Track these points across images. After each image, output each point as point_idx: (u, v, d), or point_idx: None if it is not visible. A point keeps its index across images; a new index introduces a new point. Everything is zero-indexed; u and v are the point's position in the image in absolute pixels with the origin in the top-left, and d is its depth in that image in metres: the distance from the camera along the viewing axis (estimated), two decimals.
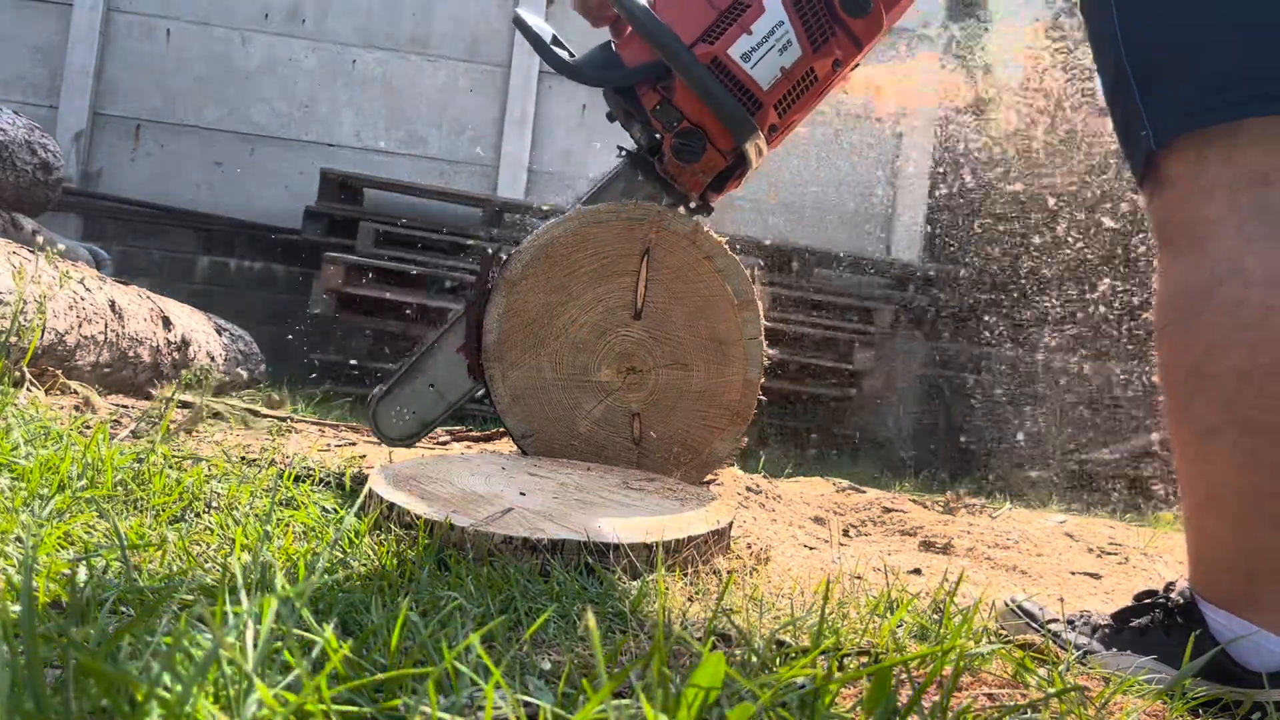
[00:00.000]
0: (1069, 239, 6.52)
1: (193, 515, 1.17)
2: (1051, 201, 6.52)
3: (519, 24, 1.62)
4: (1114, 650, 1.10)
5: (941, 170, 6.07)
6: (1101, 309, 6.46)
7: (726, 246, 1.79)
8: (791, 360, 5.12)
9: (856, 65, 1.62)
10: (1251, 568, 1.02)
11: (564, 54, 1.60)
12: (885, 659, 0.83)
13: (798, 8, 1.49)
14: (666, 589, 1.04)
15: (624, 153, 1.82)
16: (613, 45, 1.58)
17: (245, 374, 3.85)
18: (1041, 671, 0.89)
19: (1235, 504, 1.02)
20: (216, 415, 2.35)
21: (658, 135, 1.54)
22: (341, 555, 1.02)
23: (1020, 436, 5.29)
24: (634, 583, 1.06)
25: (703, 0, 1.51)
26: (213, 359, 3.45)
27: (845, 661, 0.86)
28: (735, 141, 1.50)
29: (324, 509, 1.30)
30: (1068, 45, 6.70)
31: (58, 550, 0.91)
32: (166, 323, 2.98)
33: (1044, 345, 6.17)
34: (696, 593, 1.10)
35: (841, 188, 6.02)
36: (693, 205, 1.74)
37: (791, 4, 1.49)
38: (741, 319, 1.78)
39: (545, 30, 1.66)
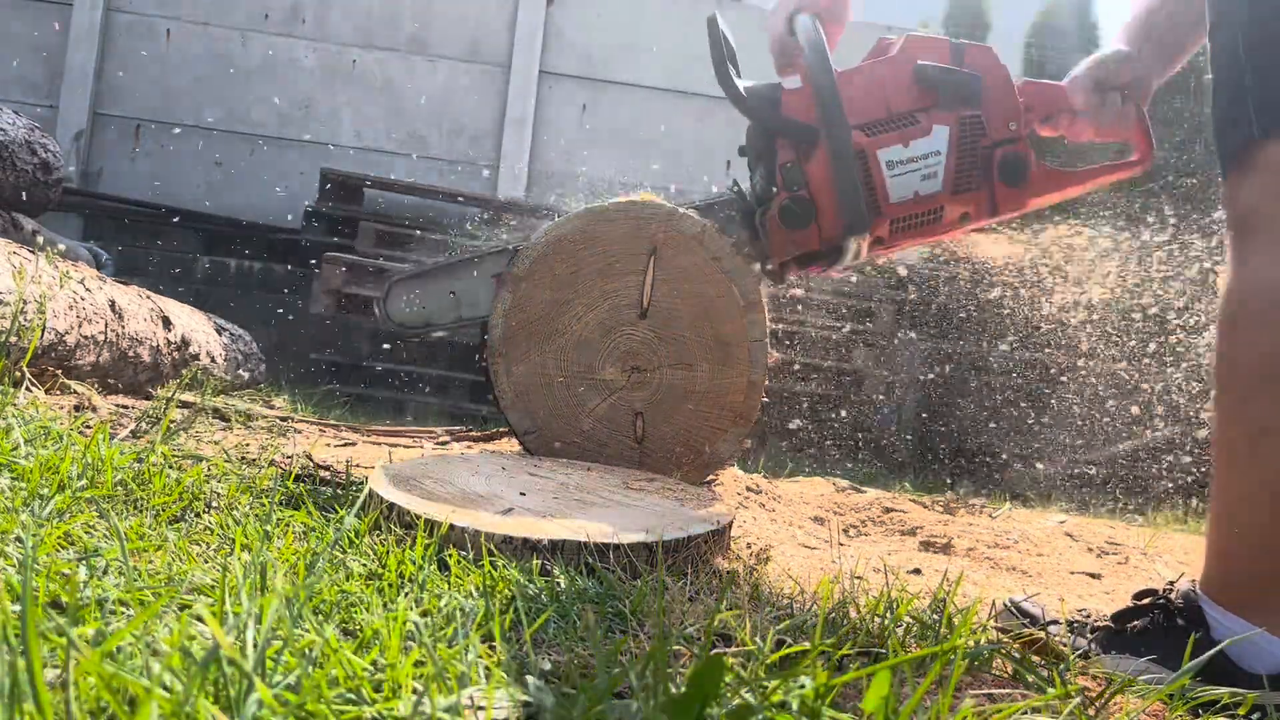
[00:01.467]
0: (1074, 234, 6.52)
1: (193, 515, 1.17)
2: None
3: (712, 26, 1.59)
4: (1113, 651, 1.10)
5: None
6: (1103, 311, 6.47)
7: (733, 248, 1.79)
8: (793, 360, 5.12)
9: (980, 228, 1.59)
10: (1277, 570, 1.02)
11: (734, 72, 1.57)
12: (885, 659, 0.83)
13: (959, 148, 1.46)
14: (666, 589, 1.04)
15: (735, 187, 1.80)
16: (782, 87, 1.54)
17: (245, 374, 3.85)
18: (1041, 671, 0.89)
19: (1274, 506, 1.01)
20: (217, 415, 2.35)
21: (774, 189, 1.50)
22: (341, 555, 1.02)
23: (1020, 436, 5.29)
24: (634, 583, 1.06)
25: (881, 95, 1.48)
26: (213, 359, 3.45)
27: (845, 661, 0.86)
28: (840, 232, 1.47)
29: (324, 509, 1.30)
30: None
31: (58, 550, 0.91)
32: (166, 323, 2.98)
33: (1043, 345, 6.16)
34: (696, 593, 1.10)
35: None
36: (769, 268, 1.70)
37: (956, 142, 1.46)
38: (747, 321, 1.78)
39: (731, 45, 1.63)
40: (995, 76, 1.50)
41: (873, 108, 1.47)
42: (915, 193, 1.46)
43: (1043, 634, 1.12)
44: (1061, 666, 0.91)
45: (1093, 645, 1.12)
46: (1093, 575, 1.86)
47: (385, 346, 5.04)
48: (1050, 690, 0.83)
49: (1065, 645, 1.11)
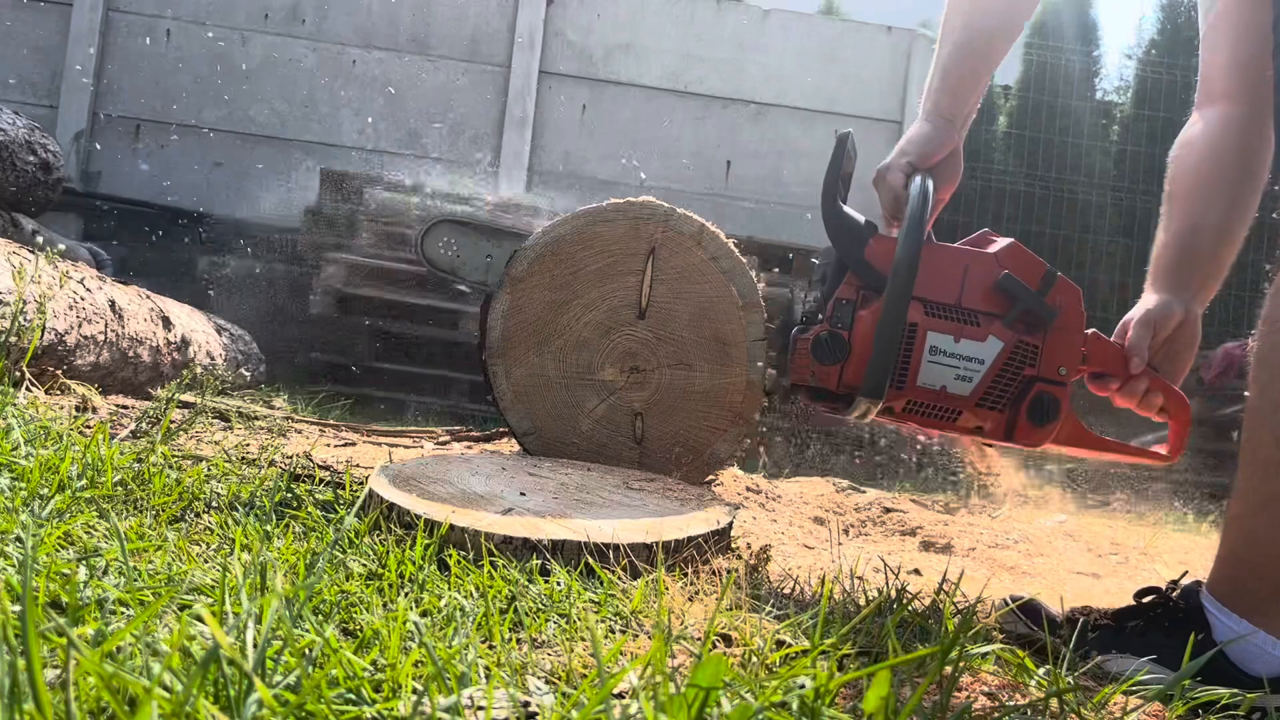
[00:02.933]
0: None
1: (193, 515, 1.17)
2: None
3: (840, 143, 1.56)
4: (1113, 651, 1.10)
5: None
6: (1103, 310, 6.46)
7: (733, 248, 1.79)
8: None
9: (989, 445, 1.59)
10: None
11: (841, 194, 1.55)
12: (885, 659, 0.83)
13: (1003, 370, 1.44)
14: (666, 589, 1.04)
15: (789, 289, 1.78)
16: (875, 229, 1.53)
17: (245, 374, 3.85)
18: (1041, 671, 0.89)
19: None
20: (217, 415, 2.35)
21: (820, 317, 1.50)
22: (341, 555, 1.02)
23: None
24: (634, 583, 1.06)
25: (958, 284, 1.46)
26: (213, 359, 3.45)
27: (845, 661, 0.86)
28: (857, 389, 1.45)
29: (324, 509, 1.30)
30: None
31: (58, 550, 0.91)
32: (166, 323, 2.98)
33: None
34: (696, 593, 1.10)
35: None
36: (783, 382, 1.70)
37: (1004, 361, 1.44)
38: (746, 320, 1.78)
39: (853, 163, 1.62)
40: (1071, 318, 1.48)
41: (945, 291, 1.45)
42: (943, 387, 1.45)
43: (1043, 634, 1.12)
44: (1062, 667, 0.91)
45: (1093, 644, 1.12)
46: (1093, 575, 1.86)
47: (385, 349, 5.04)
48: (1050, 690, 0.83)
49: (1065, 645, 1.11)
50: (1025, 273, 1.47)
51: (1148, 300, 1.59)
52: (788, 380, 1.56)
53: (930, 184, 1.45)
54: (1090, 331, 1.54)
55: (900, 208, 1.47)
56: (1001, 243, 1.52)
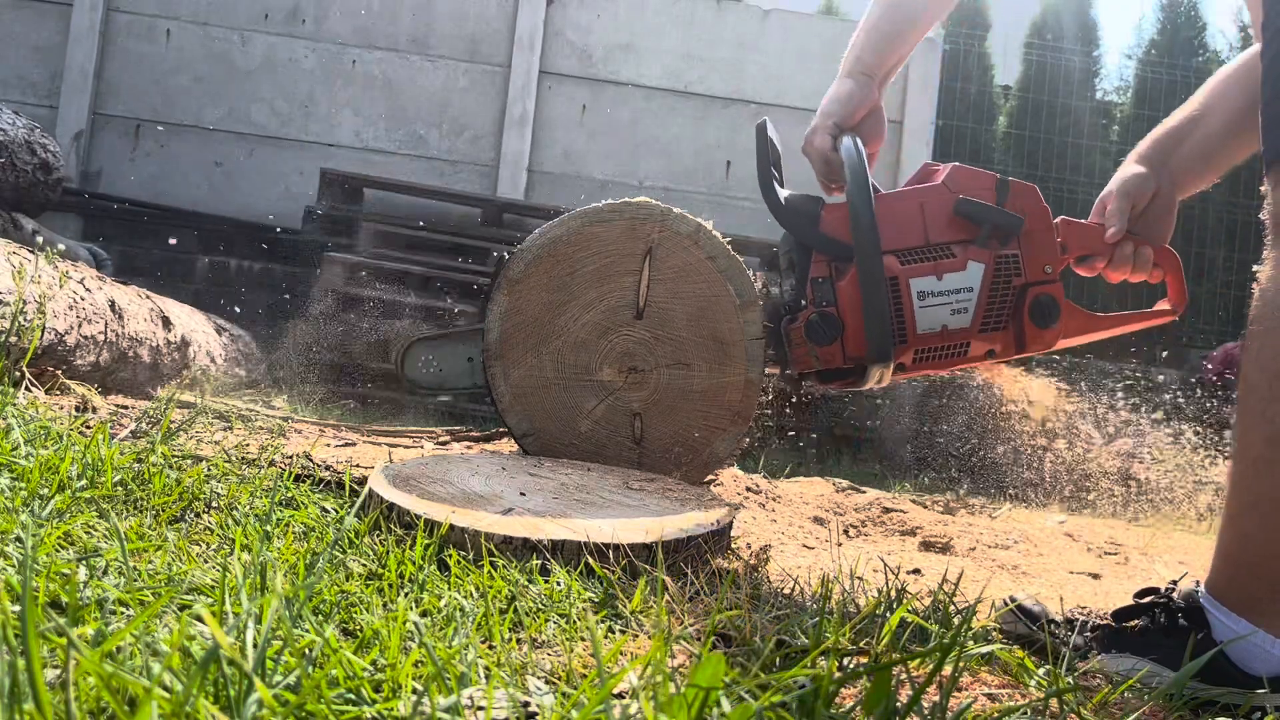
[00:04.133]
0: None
1: (193, 515, 1.17)
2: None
3: (761, 133, 1.58)
4: (1113, 650, 1.10)
5: None
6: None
7: (729, 247, 1.79)
8: None
9: (1006, 362, 1.59)
10: None
11: (776, 181, 1.56)
12: (885, 659, 0.83)
13: (993, 287, 1.45)
14: (666, 589, 1.04)
15: (765, 290, 1.78)
16: (823, 201, 1.53)
17: (245, 374, 3.85)
18: (1041, 671, 0.89)
19: None
20: (217, 415, 2.35)
21: (804, 302, 1.50)
22: (341, 555, 1.02)
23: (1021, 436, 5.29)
24: (634, 583, 1.06)
25: (920, 224, 1.46)
26: (212, 359, 3.45)
27: (845, 661, 0.86)
28: (865, 357, 1.45)
29: (324, 509, 1.30)
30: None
31: (58, 550, 0.91)
32: (166, 323, 2.98)
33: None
34: (696, 593, 1.10)
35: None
36: (788, 373, 1.67)
37: (990, 280, 1.44)
38: (744, 320, 1.78)
39: (777, 149, 1.62)
40: (1036, 218, 1.49)
41: (911, 235, 1.46)
42: (944, 326, 1.45)
43: (1043, 634, 1.13)
44: (1062, 667, 0.91)
45: (1093, 644, 1.12)
46: (1093, 575, 1.86)
47: (384, 350, 5.03)
48: (1049, 690, 0.83)
49: (1065, 645, 1.11)
50: (978, 190, 1.48)
51: (1124, 172, 1.58)
52: (792, 371, 1.56)
53: (860, 140, 1.46)
54: (1059, 220, 1.55)
55: (833, 170, 1.48)
56: (945, 170, 1.53)
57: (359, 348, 5.02)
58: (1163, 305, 1.59)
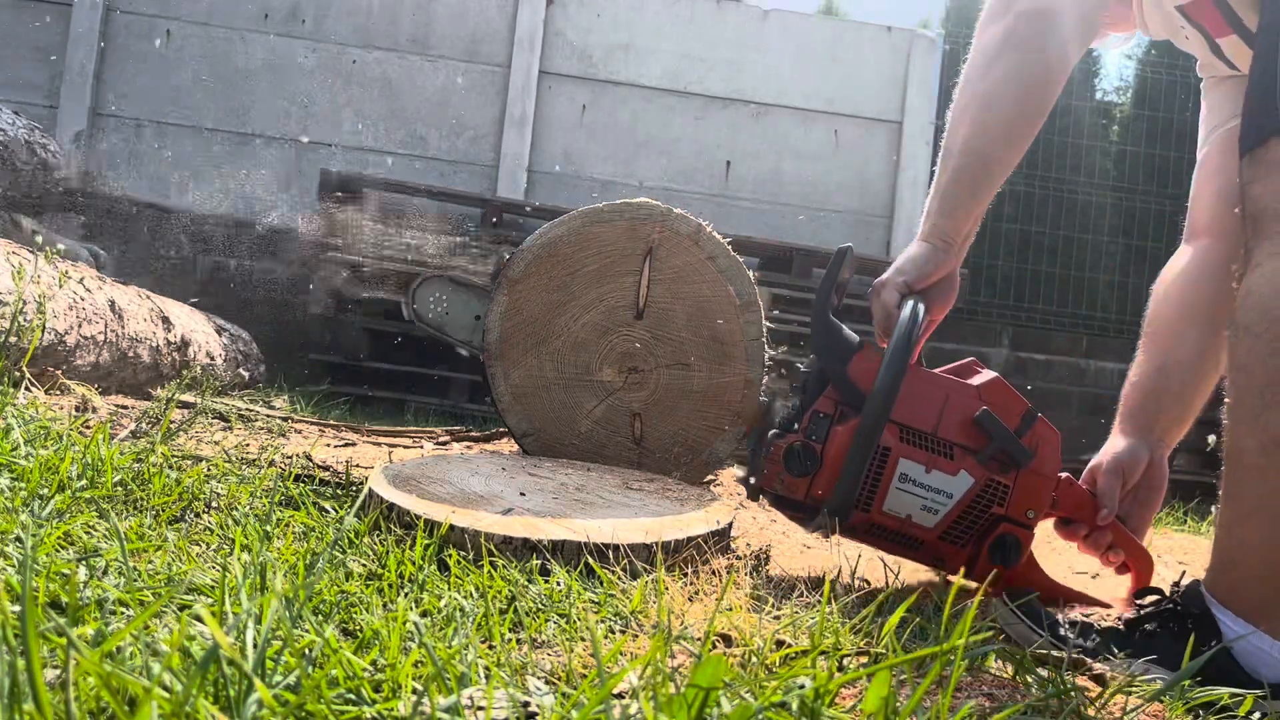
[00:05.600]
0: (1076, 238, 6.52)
1: (193, 515, 1.17)
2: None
3: (839, 255, 1.52)
4: (1114, 651, 1.10)
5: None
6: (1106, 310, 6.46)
7: (729, 247, 1.79)
8: (792, 360, 5.11)
9: (949, 581, 1.57)
10: None
11: (833, 307, 1.53)
12: (885, 659, 0.83)
13: (971, 507, 1.42)
14: (666, 589, 1.04)
15: (765, 400, 1.76)
16: (860, 346, 1.51)
17: (245, 374, 3.85)
18: (1041, 671, 0.89)
19: None
20: (216, 415, 2.35)
21: (795, 427, 1.48)
22: (341, 555, 1.02)
23: None
24: (634, 583, 1.06)
25: (937, 413, 1.44)
26: (212, 359, 3.45)
27: (845, 661, 0.86)
28: (823, 503, 1.41)
29: (324, 509, 1.30)
30: None
31: (58, 550, 0.91)
32: (166, 323, 2.98)
33: (1044, 345, 6.16)
34: (696, 593, 1.10)
35: (841, 189, 6.02)
36: (751, 481, 1.67)
37: (973, 498, 1.42)
38: (744, 320, 1.78)
39: (848, 277, 1.58)
40: (1045, 462, 1.45)
41: (922, 418, 1.43)
42: (909, 516, 1.43)
43: (1043, 634, 1.13)
44: (1062, 666, 0.91)
45: (1099, 647, 1.12)
46: (1093, 575, 1.86)
47: (384, 350, 5.04)
48: (1050, 690, 0.83)
49: (1065, 645, 1.11)
50: (1006, 410, 1.45)
51: (1114, 444, 1.59)
52: (755, 482, 1.55)
53: (921, 308, 1.45)
54: (1064, 476, 1.53)
55: (891, 326, 1.47)
56: (985, 376, 1.51)
57: (358, 347, 5.02)
58: (1118, 597, 1.59)
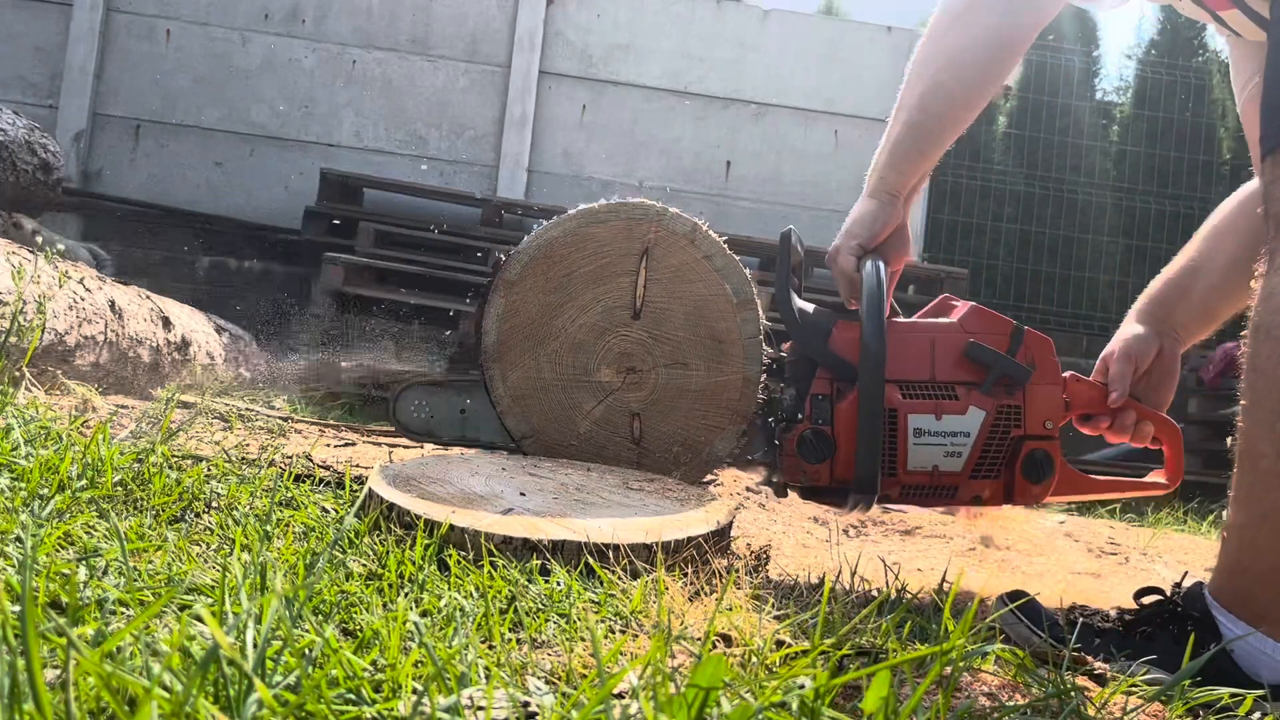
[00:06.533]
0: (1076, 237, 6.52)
1: (193, 515, 1.17)
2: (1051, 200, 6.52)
3: (784, 239, 1.54)
4: (1114, 651, 1.09)
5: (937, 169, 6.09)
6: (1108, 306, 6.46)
7: (725, 246, 1.79)
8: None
9: (983, 512, 1.57)
10: None
11: (795, 290, 1.53)
12: (885, 659, 0.83)
13: (990, 437, 1.42)
14: (666, 589, 1.04)
15: (766, 394, 1.76)
16: (836, 319, 1.51)
17: (245, 374, 3.85)
18: (1041, 671, 0.89)
19: None
20: (217, 415, 2.35)
21: (800, 416, 1.48)
22: (341, 555, 1.02)
23: None
24: (634, 583, 1.06)
25: (928, 359, 1.44)
26: (213, 359, 3.45)
27: (845, 661, 0.86)
28: (849, 486, 1.41)
29: (324, 509, 1.30)
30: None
31: (58, 550, 0.91)
32: (166, 323, 2.98)
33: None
34: (696, 593, 1.10)
35: (841, 189, 6.02)
36: (774, 481, 1.65)
37: (989, 429, 1.41)
38: (741, 318, 1.78)
39: (799, 255, 1.59)
40: (1045, 372, 1.45)
41: (917, 370, 1.43)
42: (935, 467, 1.42)
43: (1043, 634, 1.12)
44: (1062, 666, 0.91)
45: (1100, 648, 1.12)
46: (1093, 575, 1.86)
47: (384, 350, 5.04)
48: (1050, 690, 0.83)
49: (1065, 645, 1.11)
50: (992, 335, 1.45)
51: (1126, 331, 1.58)
52: (780, 479, 1.55)
53: (882, 264, 1.45)
54: (1068, 375, 1.53)
55: (855, 289, 1.47)
56: (962, 308, 1.50)
57: (359, 348, 5.02)
58: (1158, 477, 1.59)
